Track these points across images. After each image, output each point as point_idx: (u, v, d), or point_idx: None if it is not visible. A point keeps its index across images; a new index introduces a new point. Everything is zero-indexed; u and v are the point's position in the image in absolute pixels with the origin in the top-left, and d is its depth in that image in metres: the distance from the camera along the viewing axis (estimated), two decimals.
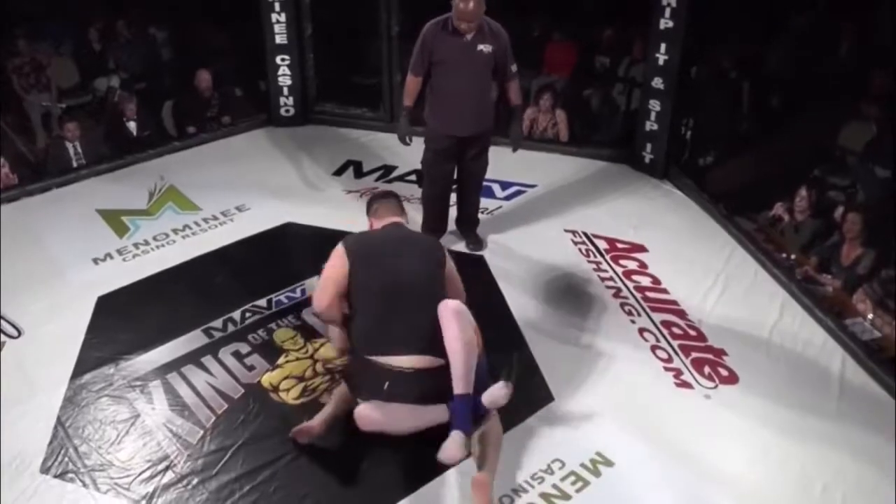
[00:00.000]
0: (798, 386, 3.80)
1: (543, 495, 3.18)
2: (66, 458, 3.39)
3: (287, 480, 3.27)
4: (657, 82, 5.46)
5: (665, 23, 5.23)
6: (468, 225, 4.87)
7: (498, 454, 3.17)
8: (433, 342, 3.16)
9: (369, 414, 3.22)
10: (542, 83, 6.53)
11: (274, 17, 6.12)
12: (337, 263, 3.36)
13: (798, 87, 5.93)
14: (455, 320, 3.15)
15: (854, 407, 3.69)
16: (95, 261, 4.82)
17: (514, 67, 4.45)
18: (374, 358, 3.20)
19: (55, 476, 3.30)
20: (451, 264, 3.48)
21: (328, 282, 3.37)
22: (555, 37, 6.92)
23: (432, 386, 3.17)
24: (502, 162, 4.93)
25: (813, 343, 4.10)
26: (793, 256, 4.85)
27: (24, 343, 4.11)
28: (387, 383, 3.17)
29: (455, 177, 4.71)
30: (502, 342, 3.83)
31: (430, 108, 4.49)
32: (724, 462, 3.35)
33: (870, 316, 4.24)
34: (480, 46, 4.28)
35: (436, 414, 3.21)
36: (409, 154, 4.90)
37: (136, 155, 6.09)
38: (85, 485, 3.27)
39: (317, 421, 3.36)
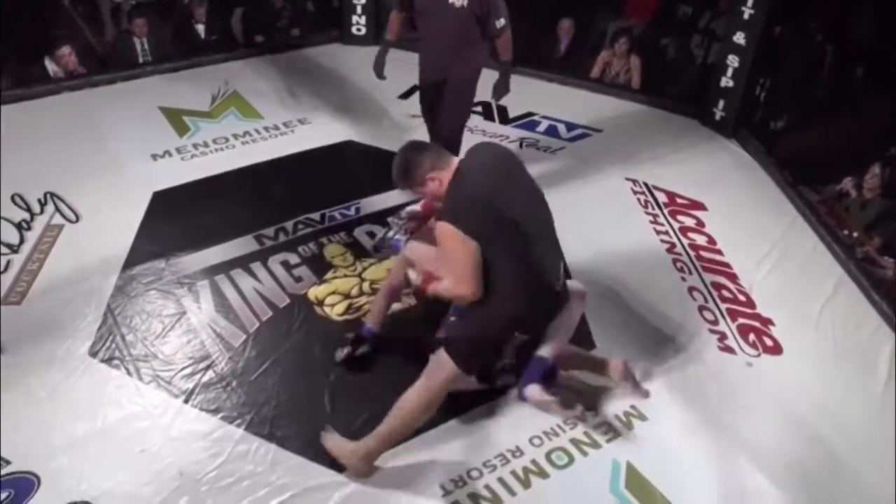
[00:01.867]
0: (843, 366, 3.73)
1: (574, 441, 3.20)
2: (114, 345, 3.49)
3: (324, 393, 3.33)
4: (739, 37, 5.26)
5: None
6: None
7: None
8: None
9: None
10: (620, 26, 6.33)
11: None
12: (467, 246, 2.71)
13: (886, 57, 5.67)
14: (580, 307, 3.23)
15: None
16: (154, 157, 4.88)
17: (499, 22, 4.09)
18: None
19: (102, 360, 3.42)
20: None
21: (469, 262, 2.74)
22: None
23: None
24: (570, 103, 4.83)
25: (865, 325, 3.99)
26: (855, 234, 4.69)
27: (81, 228, 4.22)
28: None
29: None
30: None
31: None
32: (756, 432, 3.31)
33: None
34: (454, 1, 4.00)
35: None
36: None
37: (201, 57, 6.10)
38: (129, 373, 3.37)
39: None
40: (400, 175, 2.88)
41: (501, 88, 4.37)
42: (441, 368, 2.90)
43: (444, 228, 2.71)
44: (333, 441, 3.06)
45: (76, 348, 3.45)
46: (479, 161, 2.89)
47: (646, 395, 3.37)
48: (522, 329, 3.05)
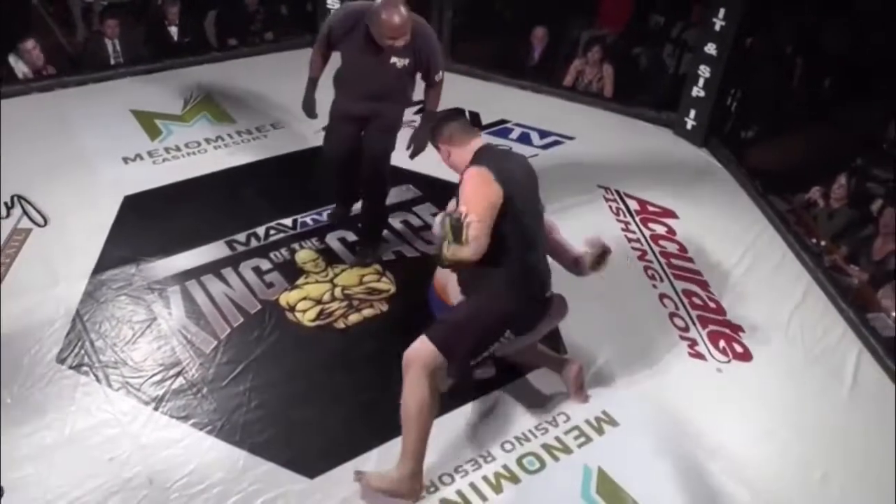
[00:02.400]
0: (811, 372, 3.78)
1: (545, 446, 3.21)
2: (83, 351, 3.45)
3: (296, 400, 3.32)
4: (710, 48, 5.32)
5: None
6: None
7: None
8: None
9: None
10: (593, 35, 6.39)
11: None
12: (493, 187, 2.75)
13: (853, 71, 5.77)
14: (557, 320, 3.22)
15: (864, 401, 3.66)
16: (125, 160, 4.84)
17: (438, 76, 3.86)
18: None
19: (70, 367, 3.37)
20: None
21: (486, 206, 2.72)
22: None
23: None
24: (543, 110, 4.85)
25: (831, 332, 4.05)
26: (823, 243, 4.78)
27: (49, 232, 4.16)
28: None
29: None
30: None
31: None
32: (727, 437, 3.35)
33: (893, 313, 4.19)
34: (394, 59, 3.70)
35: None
36: (452, 92, 4.78)
37: (174, 60, 6.05)
38: (98, 379, 3.33)
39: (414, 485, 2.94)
40: (428, 130, 3.16)
41: (420, 141, 3.93)
42: (416, 352, 2.80)
43: (473, 170, 2.80)
44: (374, 478, 2.92)
45: (43, 355, 3.40)
46: (505, 153, 3.12)
47: (585, 400, 3.41)
48: (513, 329, 2.96)
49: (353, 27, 3.68)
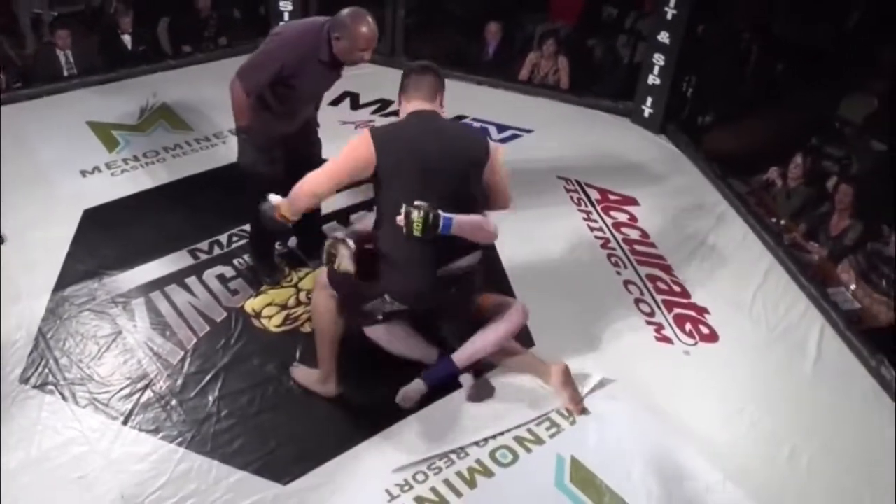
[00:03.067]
0: (776, 349, 3.85)
1: (517, 439, 3.22)
2: (47, 370, 3.40)
3: (265, 406, 3.30)
4: (663, 36, 5.37)
5: None
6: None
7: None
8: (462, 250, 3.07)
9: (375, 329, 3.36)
10: (547, 28, 6.43)
11: None
12: (361, 148, 2.93)
13: (803, 54, 5.88)
14: (515, 322, 3.28)
15: (828, 374, 3.74)
16: (83, 173, 4.77)
17: None
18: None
19: (34, 387, 3.31)
20: (497, 165, 3.10)
21: (341, 167, 2.97)
22: None
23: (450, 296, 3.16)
24: (500, 105, 4.86)
25: (794, 309, 4.12)
26: (782, 222, 4.87)
27: (8, 250, 4.08)
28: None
29: None
30: (486, 284, 3.82)
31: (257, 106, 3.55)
32: (697, 419, 3.39)
33: (852, 287, 4.30)
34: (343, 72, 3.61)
35: (427, 352, 3.34)
36: None
37: (129, 69, 5.98)
38: (64, 397, 3.28)
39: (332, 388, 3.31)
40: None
41: None
42: (319, 278, 3.21)
43: (359, 133, 3.02)
44: (301, 374, 3.38)
45: (6, 375, 3.34)
46: (426, 125, 3.04)
47: (582, 412, 3.33)
48: (392, 294, 3.08)
49: (307, 52, 3.41)
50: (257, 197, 3.27)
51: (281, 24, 3.44)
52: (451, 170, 2.97)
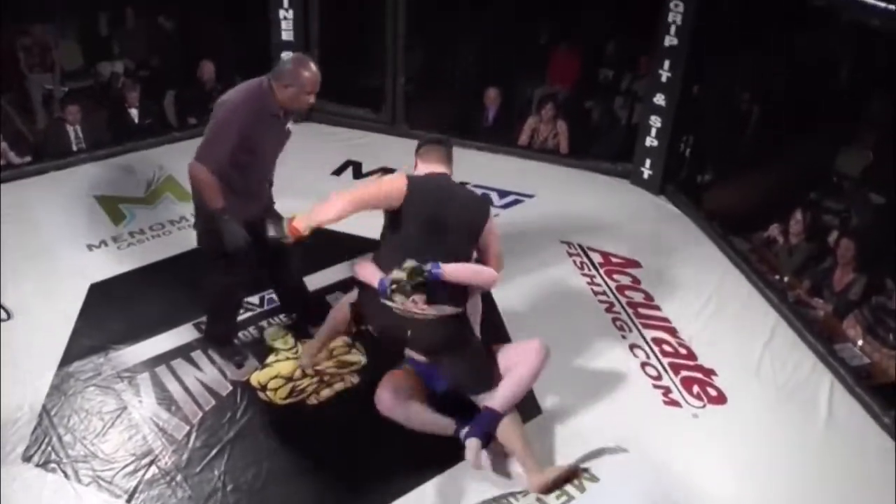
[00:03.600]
0: (786, 409, 3.83)
1: None
2: (50, 448, 3.38)
3: (271, 480, 3.27)
4: (659, 98, 5.46)
5: (670, 40, 5.23)
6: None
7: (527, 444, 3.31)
8: (452, 294, 3.29)
9: (388, 399, 3.40)
10: (545, 93, 6.54)
11: (282, 13, 6.09)
12: (397, 185, 3.30)
13: (798, 110, 5.96)
14: (538, 357, 3.38)
15: (840, 432, 3.71)
16: (90, 247, 4.80)
17: None
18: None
19: (37, 465, 3.30)
20: (492, 226, 3.46)
21: (372, 194, 3.31)
22: (561, 46, 6.92)
23: (447, 335, 3.34)
24: (501, 170, 4.91)
25: (802, 367, 4.11)
26: (786, 279, 4.87)
27: (13, 326, 4.09)
28: (409, 332, 3.31)
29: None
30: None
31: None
32: (709, 482, 3.36)
33: (859, 342, 4.27)
34: (288, 125, 3.63)
35: (445, 424, 3.36)
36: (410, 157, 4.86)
37: (136, 143, 6.06)
38: (67, 476, 3.26)
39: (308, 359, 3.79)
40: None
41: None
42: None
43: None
44: (308, 346, 3.84)
45: (8, 453, 3.32)
46: (441, 185, 3.43)
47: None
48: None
49: (259, 109, 3.42)
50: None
51: (222, 97, 3.51)
52: (456, 226, 3.32)
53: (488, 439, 3.30)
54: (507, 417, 3.31)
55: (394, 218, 3.33)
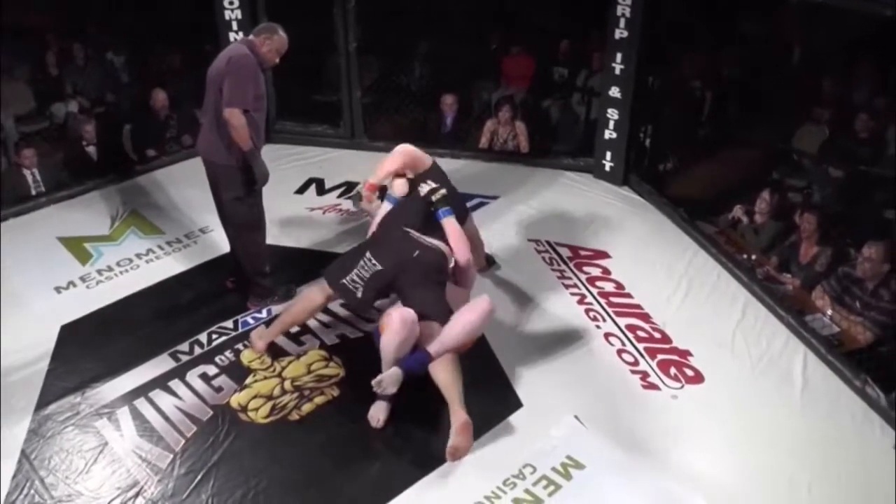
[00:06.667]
0: (762, 382, 3.89)
1: (516, 500, 3.21)
2: (33, 491, 3.34)
3: (259, 498, 3.26)
4: (614, 91, 5.53)
5: (620, 33, 5.29)
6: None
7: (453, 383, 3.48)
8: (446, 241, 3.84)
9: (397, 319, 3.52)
10: (502, 95, 6.59)
11: (231, 35, 6.07)
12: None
13: (753, 93, 6.06)
14: (478, 311, 3.55)
15: (816, 400, 3.79)
16: (58, 289, 4.75)
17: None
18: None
19: None
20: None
21: (410, 153, 4.19)
22: (512, 50, 6.99)
23: (437, 262, 3.79)
24: (464, 174, 4.95)
25: (775, 340, 4.19)
26: (753, 257, 4.93)
27: None
28: (417, 252, 3.74)
29: None
30: (470, 352, 3.84)
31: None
32: (692, 460, 3.40)
33: (829, 312, 4.34)
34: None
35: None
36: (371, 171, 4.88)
37: (96, 180, 6.00)
38: None
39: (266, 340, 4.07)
40: None
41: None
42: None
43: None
44: (257, 331, 4.13)
45: None
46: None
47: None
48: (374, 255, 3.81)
49: (258, 63, 4.02)
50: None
51: (217, 59, 4.08)
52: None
53: (411, 375, 3.45)
54: (443, 360, 3.45)
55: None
